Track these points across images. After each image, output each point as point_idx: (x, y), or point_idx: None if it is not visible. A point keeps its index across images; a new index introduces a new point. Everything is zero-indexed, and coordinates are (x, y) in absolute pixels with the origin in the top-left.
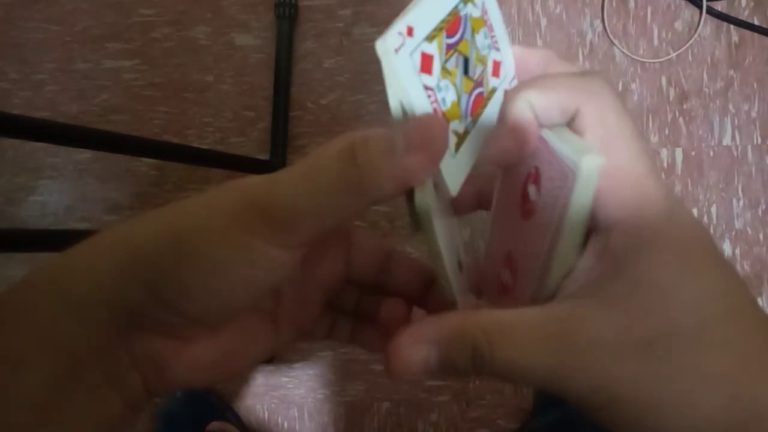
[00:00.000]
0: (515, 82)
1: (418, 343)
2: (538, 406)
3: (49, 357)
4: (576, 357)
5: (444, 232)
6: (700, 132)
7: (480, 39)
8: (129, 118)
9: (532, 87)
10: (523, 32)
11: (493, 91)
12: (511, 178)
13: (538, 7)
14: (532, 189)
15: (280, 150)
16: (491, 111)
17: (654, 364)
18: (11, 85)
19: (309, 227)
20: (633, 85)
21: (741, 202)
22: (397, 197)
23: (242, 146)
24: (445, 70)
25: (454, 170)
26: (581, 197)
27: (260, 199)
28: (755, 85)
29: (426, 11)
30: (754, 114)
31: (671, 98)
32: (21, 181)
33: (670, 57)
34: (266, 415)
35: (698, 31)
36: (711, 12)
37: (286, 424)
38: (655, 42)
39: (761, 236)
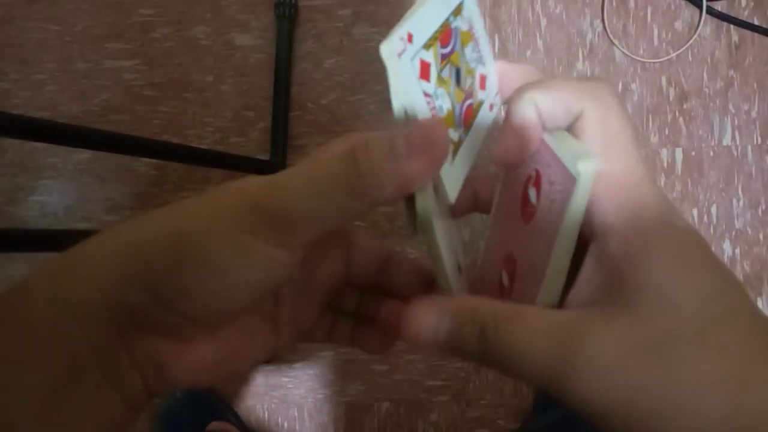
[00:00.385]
0: (499, 98)
1: (432, 311)
2: (538, 406)
3: (49, 357)
4: (580, 361)
5: (444, 235)
6: (700, 132)
7: (468, 52)
8: (129, 118)
9: (537, 88)
10: (523, 32)
11: (481, 103)
12: (512, 180)
13: (538, 7)
14: (532, 192)
15: (280, 150)
16: (480, 122)
17: (657, 369)
18: (11, 85)
19: (310, 228)
20: (633, 85)
21: (741, 202)
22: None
23: (242, 146)
24: (440, 79)
25: (452, 177)
26: (578, 200)
27: (261, 200)
28: (755, 85)
29: (423, 20)
30: (754, 114)
31: (671, 98)
32: (21, 181)
33: (670, 57)
34: (266, 415)
35: (698, 31)
36: (711, 12)
37: (286, 424)
38: (655, 42)
39: (761, 236)
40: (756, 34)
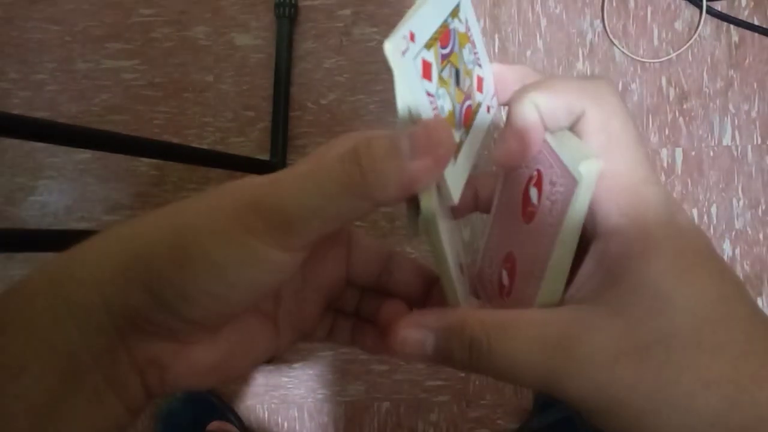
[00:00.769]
0: (495, 100)
1: (416, 327)
2: (538, 405)
3: (48, 362)
4: (574, 360)
5: (447, 236)
6: (700, 132)
7: (466, 54)
8: (129, 118)
9: (538, 89)
10: (523, 32)
11: (479, 105)
12: (513, 180)
13: (538, 7)
14: (533, 192)
15: (280, 150)
16: (479, 124)
17: (652, 368)
18: (11, 85)
19: (312, 230)
20: (633, 85)
21: (741, 202)
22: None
23: (242, 146)
24: (441, 79)
25: (454, 178)
26: (579, 202)
27: (263, 201)
28: (755, 85)
29: (424, 19)
30: (754, 114)
31: (671, 98)
32: (21, 181)
33: (670, 57)
34: (266, 415)
35: (698, 31)
36: (711, 12)
37: (286, 424)
38: (655, 42)
39: (761, 236)
40: (756, 34)
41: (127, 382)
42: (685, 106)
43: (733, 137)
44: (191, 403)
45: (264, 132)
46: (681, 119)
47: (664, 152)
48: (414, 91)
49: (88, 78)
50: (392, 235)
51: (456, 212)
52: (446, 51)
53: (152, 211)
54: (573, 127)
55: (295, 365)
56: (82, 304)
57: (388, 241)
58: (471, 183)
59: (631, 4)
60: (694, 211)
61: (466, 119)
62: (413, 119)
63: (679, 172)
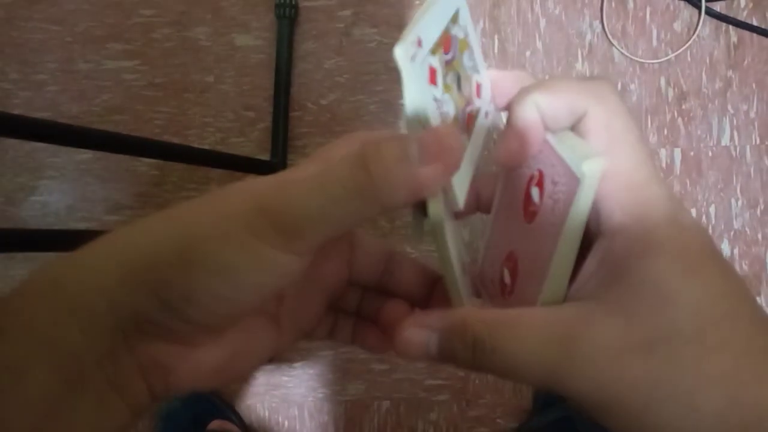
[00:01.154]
0: (492, 106)
1: (419, 328)
2: (537, 405)
3: (51, 364)
4: (577, 357)
5: (452, 238)
6: (699, 132)
7: (465, 59)
8: (129, 118)
9: (539, 89)
10: (522, 33)
11: (478, 110)
12: (514, 180)
13: (537, 8)
14: (535, 191)
15: (280, 150)
16: (479, 129)
17: (654, 366)
18: (12, 85)
19: (319, 234)
20: (632, 86)
21: (740, 202)
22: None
23: (242, 146)
24: (446, 85)
25: (460, 183)
26: (582, 201)
27: (270, 205)
28: (754, 86)
29: (429, 25)
30: (752, 114)
31: (670, 99)
32: (22, 181)
33: (669, 57)
34: (267, 414)
35: (697, 32)
36: (710, 13)
37: (286, 423)
38: (654, 42)
39: (760, 236)
40: (755, 35)
41: (131, 384)
42: (683, 107)
43: (732, 137)
44: (192, 402)
45: (264, 132)
46: (680, 120)
47: (662, 152)
48: (423, 96)
49: (88, 78)
50: (392, 235)
51: (458, 214)
52: (449, 57)
53: (157, 214)
54: (574, 128)
55: (296, 364)
56: (86, 307)
57: (389, 241)
58: (472, 184)
59: (630, 4)
60: (693, 211)
61: (468, 125)
62: (422, 124)
63: (678, 172)
